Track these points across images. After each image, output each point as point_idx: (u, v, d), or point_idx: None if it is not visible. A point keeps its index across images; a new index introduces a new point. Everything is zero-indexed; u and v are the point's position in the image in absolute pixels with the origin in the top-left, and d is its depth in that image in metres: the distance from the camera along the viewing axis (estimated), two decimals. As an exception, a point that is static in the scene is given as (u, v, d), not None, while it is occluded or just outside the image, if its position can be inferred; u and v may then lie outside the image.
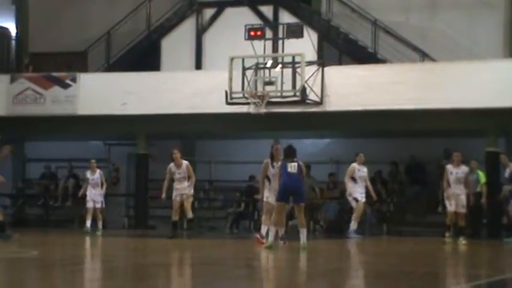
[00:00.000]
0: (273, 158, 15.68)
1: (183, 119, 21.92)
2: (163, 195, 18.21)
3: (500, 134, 20.72)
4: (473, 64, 20.55)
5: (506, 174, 18.39)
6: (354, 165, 19.12)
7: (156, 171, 23.87)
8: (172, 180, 18.08)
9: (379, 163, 22.02)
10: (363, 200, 19.05)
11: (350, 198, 19.20)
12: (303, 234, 14.57)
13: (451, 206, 17.80)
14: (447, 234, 18.16)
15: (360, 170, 19.05)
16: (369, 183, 19.26)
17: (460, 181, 17.71)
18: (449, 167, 17.82)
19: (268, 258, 13.58)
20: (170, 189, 18.18)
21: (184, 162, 18.11)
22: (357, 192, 19.02)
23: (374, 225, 21.46)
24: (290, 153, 14.81)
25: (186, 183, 18.02)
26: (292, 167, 14.60)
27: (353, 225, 18.84)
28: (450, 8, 22.79)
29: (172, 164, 18.10)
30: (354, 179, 19.03)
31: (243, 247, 15.16)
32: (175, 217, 18.10)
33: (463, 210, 17.71)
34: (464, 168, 17.81)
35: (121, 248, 16.28)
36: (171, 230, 18.13)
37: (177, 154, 18.08)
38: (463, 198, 17.74)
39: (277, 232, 15.16)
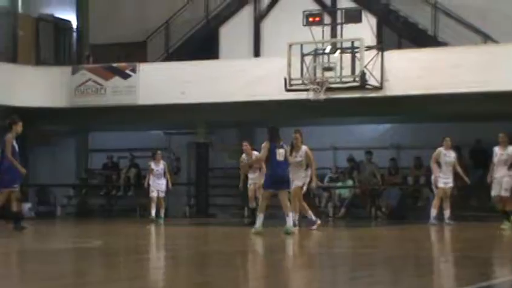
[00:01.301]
0: (292, 147, 15.68)
1: (241, 107, 21.95)
2: (240, 185, 18.62)
3: None
4: (537, 45, 20.21)
5: None
6: (440, 149, 18.34)
7: (215, 160, 24.05)
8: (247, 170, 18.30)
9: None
10: (447, 185, 18.30)
11: (433, 184, 18.64)
12: (290, 219, 14.64)
13: (493, 190, 16.89)
14: (506, 224, 16.61)
15: (446, 155, 18.37)
16: (458, 168, 18.37)
17: (505, 163, 16.67)
18: (495, 149, 16.97)
19: (330, 245, 13.54)
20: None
21: (254, 153, 18.26)
22: (440, 178, 18.39)
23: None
24: (275, 135, 14.77)
25: (257, 173, 18.20)
26: (280, 155, 14.62)
27: (432, 211, 18.33)
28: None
29: (243, 155, 18.33)
30: (439, 164, 18.39)
31: (302, 235, 15.18)
32: (251, 204, 18.36)
33: (505, 194, 16.70)
34: (510, 149, 16.74)
35: (183, 237, 16.37)
36: (251, 216, 18.42)
37: (246, 146, 18.31)
38: (507, 180, 16.66)
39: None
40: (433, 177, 18.60)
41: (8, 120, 15.49)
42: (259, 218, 14.77)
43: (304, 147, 15.92)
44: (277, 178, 14.69)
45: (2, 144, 15.34)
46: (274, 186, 14.76)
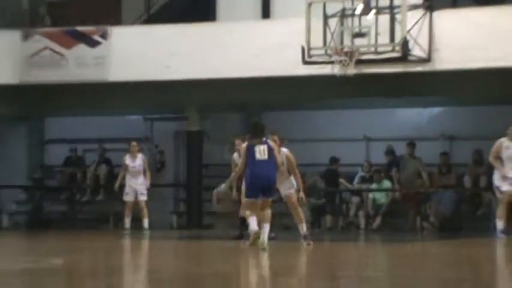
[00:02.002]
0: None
1: (245, 85, 22.10)
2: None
3: None
4: None
5: None
6: (502, 140, 18.56)
7: (212, 154, 24.01)
8: None
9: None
10: None
11: (494, 186, 18.81)
12: (265, 231, 15.03)
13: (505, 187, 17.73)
14: None
15: (510, 148, 18.50)
16: None
17: None
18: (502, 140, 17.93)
19: (361, 267, 13.51)
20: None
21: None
22: (506, 178, 18.44)
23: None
24: (257, 132, 15.24)
25: None
26: (261, 152, 14.96)
27: (498, 223, 18.46)
28: None
29: (235, 154, 18.30)
30: (501, 160, 18.47)
31: (326, 251, 15.17)
32: (242, 212, 18.31)
33: None
34: None
35: (170, 255, 16.48)
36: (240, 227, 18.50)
37: (239, 145, 18.17)
38: None
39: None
40: (495, 177, 18.61)
41: None
42: (265, 230, 15.05)
43: (284, 151, 16.13)
44: (260, 181, 15.06)
45: None
46: (259, 193, 15.11)
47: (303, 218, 16.33)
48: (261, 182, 15.03)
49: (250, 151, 15.06)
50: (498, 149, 18.53)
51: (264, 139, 15.18)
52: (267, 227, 15.05)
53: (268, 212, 15.19)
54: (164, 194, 24.69)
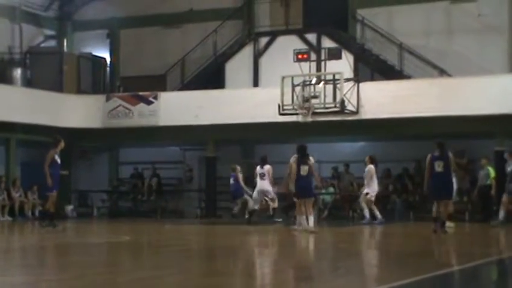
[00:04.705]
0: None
1: (244, 128, 21.90)
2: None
3: (506, 135, 20.44)
4: (483, 78, 20.26)
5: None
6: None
7: (222, 171, 24.13)
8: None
9: (406, 161, 21.91)
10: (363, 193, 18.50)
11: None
12: (311, 220, 14.74)
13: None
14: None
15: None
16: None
17: None
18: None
19: (316, 242, 13.65)
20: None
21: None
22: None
23: (402, 213, 21.34)
24: (303, 153, 14.96)
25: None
26: (304, 171, 14.76)
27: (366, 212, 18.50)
28: (463, 32, 22.55)
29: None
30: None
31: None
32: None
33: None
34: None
35: (195, 233, 16.40)
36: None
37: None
38: None
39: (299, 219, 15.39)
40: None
41: (53, 139, 15.73)
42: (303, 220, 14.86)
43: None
44: (303, 189, 14.86)
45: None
46: (303, 195, 14.87)
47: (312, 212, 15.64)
48: (304, 189, 14.78)
49: (298, 166, 14.67)
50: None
51: (308, 160, 14.75)
52: (311, 218, 14.73)
53: (311, 208, 14.88)
54: (192, 196, 24.69)
